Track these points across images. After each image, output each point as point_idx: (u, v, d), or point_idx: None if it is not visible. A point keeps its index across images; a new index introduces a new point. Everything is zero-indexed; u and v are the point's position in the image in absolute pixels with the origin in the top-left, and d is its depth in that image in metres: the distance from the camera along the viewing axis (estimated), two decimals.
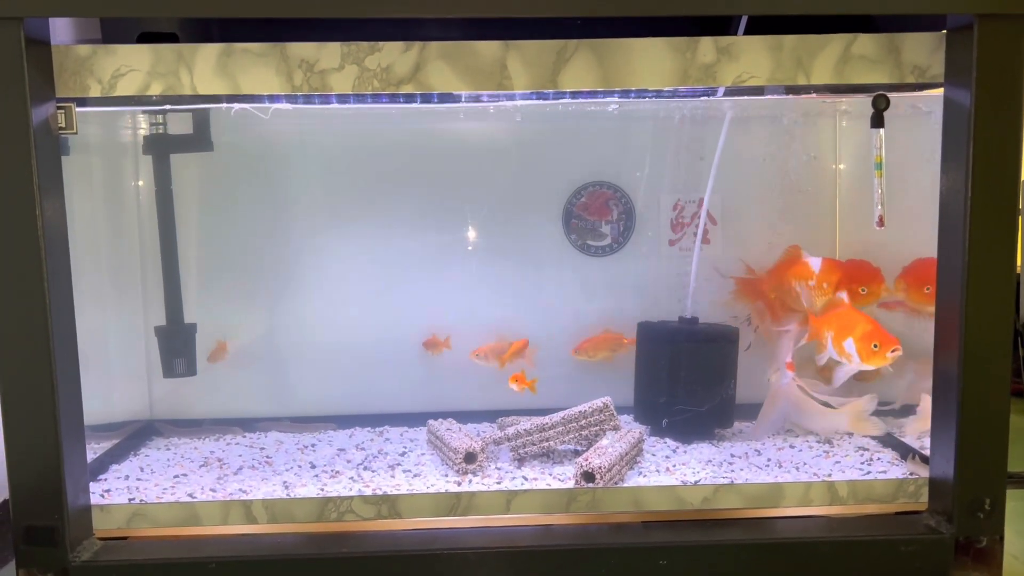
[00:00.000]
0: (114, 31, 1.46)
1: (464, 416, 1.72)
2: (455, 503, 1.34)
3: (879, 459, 1.49)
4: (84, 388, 1.28)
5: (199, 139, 1.62)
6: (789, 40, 1.25)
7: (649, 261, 1.81)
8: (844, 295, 1.58)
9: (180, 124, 1.63)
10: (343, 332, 1.77)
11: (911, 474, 1.40)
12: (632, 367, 1.71)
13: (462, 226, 1.78)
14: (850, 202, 1.78)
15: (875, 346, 1.48)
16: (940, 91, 1.27)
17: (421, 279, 1.78)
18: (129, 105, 1.53)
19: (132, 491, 1.39)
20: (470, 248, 1.79)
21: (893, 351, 1.47)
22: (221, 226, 1.74)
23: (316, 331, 1.78)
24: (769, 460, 1.49)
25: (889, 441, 1.58)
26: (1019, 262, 2.09)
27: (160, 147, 1.62)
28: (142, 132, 1.65)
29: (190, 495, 1.37)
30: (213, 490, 1.39)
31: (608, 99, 1.52)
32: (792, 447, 1.57)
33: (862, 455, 1.51)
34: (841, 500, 1.36)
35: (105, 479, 1.46)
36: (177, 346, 1.65)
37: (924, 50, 1.26)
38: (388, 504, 1.33)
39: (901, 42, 1.26)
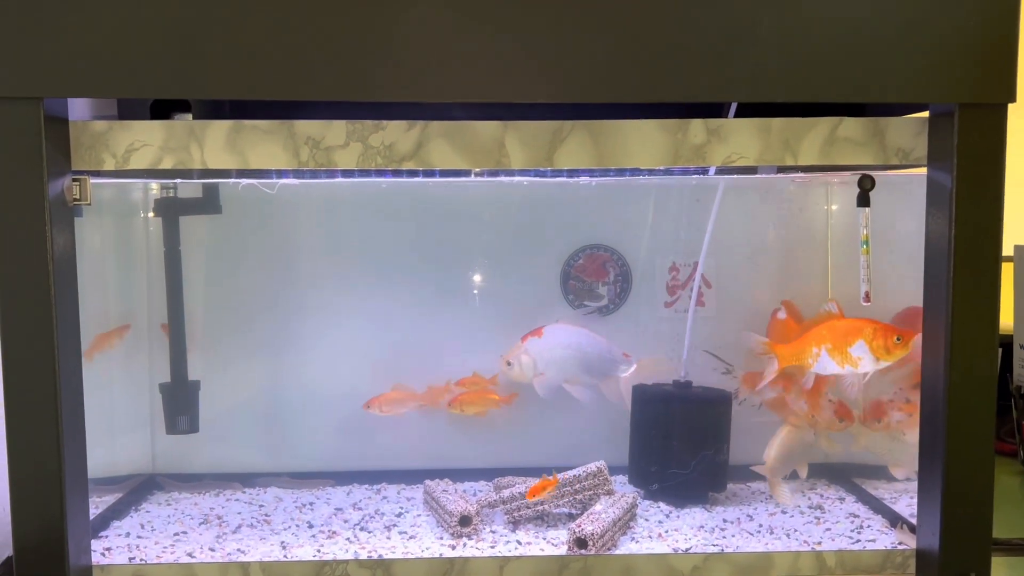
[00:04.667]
0: (129, 100, 1.52)
1: (461, 474, 1.74)
2: (448, 568, 1.36)
3: (869, 526, 1.51)
4: (88, 440, 1.32)
5: (208, 202, 1.67)
6: (777, 123, 1.30)
7: (645, 322, 1.84)
8: (833, 306, 1.59)
9: (190, 187, 1.69)
10: (343, 388, 1.80)
11: (899, 543, 1.42)
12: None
13: (462, 285, 1.82)
14: (841, 267, 1.82)
15: (898, 339, 1.50)
16: (923, 170, 1.32)
17: (420, 337, 1.82)
18: (141, 177, 1.58)
19: (132, 549, 1.42)
20: (469, 307, 1.82)
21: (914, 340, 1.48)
22: (226, 282, 1.79)
23: (316, 387, 1.81)
24: (761, 526, 1.51)
25: (880, 508, 1.60)
26: (1012, 322, 2.13)
27: (170, 210, 1.68)
28: (153, 194, 1.70)
29: (189, 554, 1.40)
30: (212, 549, 1.42)
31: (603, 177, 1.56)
32: (784, 512, 1.59)
33: (852, 522, 1.53)
34: (829, 570, 1.38)
35: (106, 536, 1.49)
36: (181, 403, 1.68)
37: (908, 134, 1.30)
38: (383, 568, 1.35)
39: (886, 126, 1.30)
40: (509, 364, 1.68)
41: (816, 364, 1.56)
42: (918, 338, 1.44)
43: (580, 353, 1.68)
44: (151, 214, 1.72)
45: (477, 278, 1.82)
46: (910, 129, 1.30)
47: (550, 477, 1.49)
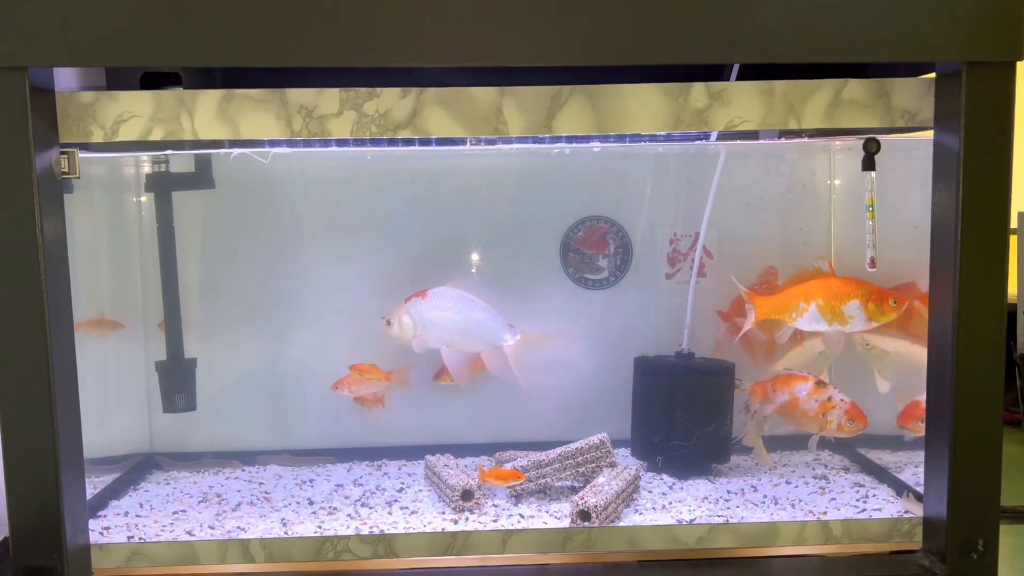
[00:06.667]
0: (118, 72, 1.49)
1: (463, 449, 1.73)
2: (451, 542, 1.34)
3: (875, 495, 1.50)
4: (85, 421, 1.30)
5: (201, 177, 1.65)
6: (780, 85, 1.27)
7: (646, 295, 1.82)
8: (825, 264, 1.58)
9: (182, 161, 1.66)
10: (341, 364, 1.78)
11: (906, 512, 1.41)
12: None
13: (461, 260, 1.80)
14: (845, 233, 1.80)
15: (894, 303, 1.50)
16: (930, 134, 1.29)
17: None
18: (130, 150, 1.55)
19: (131, 528, 1.40)
20: (467, 282, 1.79)
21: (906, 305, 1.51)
22: (222, 259, 1.76)
23: (316, 364, 1.79)
24: (765, 497, 1.50)
25: (885, 477, 1.58)
26: (1016, 290, 2.11)
27: (162, 185, 1.65)
28: (144, 169, 1.67)
29: (189, 532, 1.38)
30: (212, 527, 1.40)
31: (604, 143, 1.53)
32: (788, 483, 1.57)
33: (858, 491, 1.52)
34: (835, 539, 1.36)
35: (105, 515, 1.47)
36: (177, 381, 1.66)
37: (913, 95, 1.27)
38: (385, 543, 1.34)
39: (891, 87, 1.27)
40: (388, 323, 1.62)
41: (800, 320, 1.55)
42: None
43: (461, 317, 1.62)
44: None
45: (474, 252, 1.79)
46: (916, 90, 1.27)
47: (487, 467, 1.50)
